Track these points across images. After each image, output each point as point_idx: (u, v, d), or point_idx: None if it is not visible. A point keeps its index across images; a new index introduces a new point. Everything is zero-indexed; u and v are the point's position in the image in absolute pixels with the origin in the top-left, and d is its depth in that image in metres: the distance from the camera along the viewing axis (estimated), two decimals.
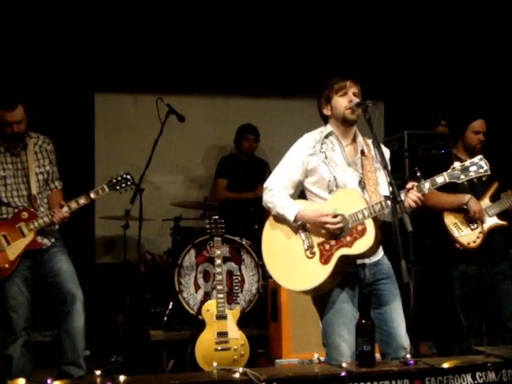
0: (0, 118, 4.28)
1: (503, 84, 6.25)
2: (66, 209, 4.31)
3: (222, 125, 6.88)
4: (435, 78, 6.75)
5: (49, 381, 2.78)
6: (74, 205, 4.32)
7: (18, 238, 4.29)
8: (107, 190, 4.32)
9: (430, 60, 6.76)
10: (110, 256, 6.72)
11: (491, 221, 4.59)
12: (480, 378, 3.02)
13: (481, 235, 4.55)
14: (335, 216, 3.39)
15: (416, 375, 2.98)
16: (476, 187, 4.55)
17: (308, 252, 3.45)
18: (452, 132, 4.91)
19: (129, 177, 4.35)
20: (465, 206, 4.53)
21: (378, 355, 3.48)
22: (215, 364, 3.06)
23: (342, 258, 3.38)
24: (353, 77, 3.59)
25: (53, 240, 4.52)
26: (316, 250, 3.43)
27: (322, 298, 3.51)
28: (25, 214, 4.32)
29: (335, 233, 3.40)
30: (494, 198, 4.64)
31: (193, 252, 5.53)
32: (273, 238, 3.56)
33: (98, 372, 2.90)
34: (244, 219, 5.80)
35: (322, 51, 6.69)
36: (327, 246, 3.42)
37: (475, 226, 4.57)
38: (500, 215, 4.61)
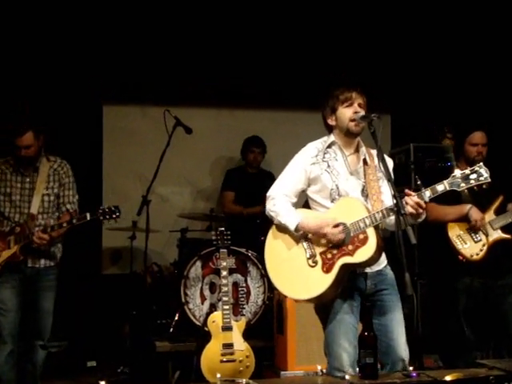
0: (13, 141, 4.48)
1: (509, 94, 6.23)
2: (49, 229, 4.41)
3: (229, 137, 6.89)
4: (442, 91, 6.75)
5: None
6: (56, 227, 4.43)
7: (5, 249, 4.48)
8: (88, 218, 4.36)
9: (437, 73, 6.76)
10: (116, 267, 6.74)
11: (495, 234, 4.58)
12: None
13: (484, 248, 4.55)
14: (336, 226, 3.39)
15: None
16: (480, 200, 4.55)
17: (310, 261, 3.46)
18: (455, 145, 4.93)
19: (117, 211, 4.37)
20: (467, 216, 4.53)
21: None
22: (219, 375, 3.05)
23: (344, 267, 3.39)
24: (359, 87, 3.61)
25: (47, 264, 4.61)
26: (318, 258, 3.44)
27: (323, 307, 3.52)
28: (17, 229, 4.50)
29: (337, 243, 3.40)
30: (499, 211, 4.63)
31: (199, 263, 5.53)
32: (275, 247, 3.58)
33: (102, 383, 2.90)
34: (250, 231, 5.79)
35: (329, 63, 6.70)
36: (329, 255, 3.43)
37: (479, 238, 4.56)
38: (504, 229, 4.59)
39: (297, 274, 3.47)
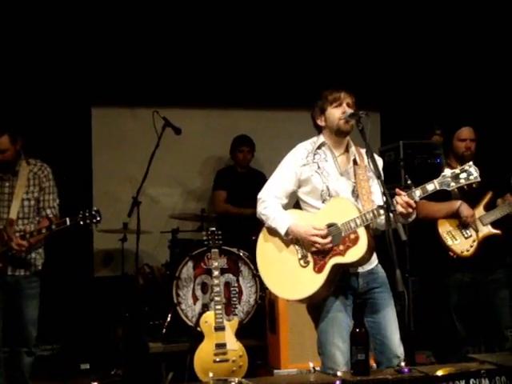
0: None
1: (498, 92, 6.26)
2: (27, 236, 4.35)
3: (219, 136, 6.86)
4: (431, 88, 6.76)
5: None
6: (35, 233, 4.37)
7: None
8: (68, 223, 4.31)
9: (426, 70, 6.78)
10: (108, 269, 6.72)
11: (485, 229, 4.60)
12: None
13: (474, 244, 4.57)
14: (325, 237, 3.40)
15: (410, 383, 2.99)
16: (469, 197, 4.53)
17: (302, 261, 3.48)
18: (444, 141, 4.96)
19: (97, 215, 4.32)
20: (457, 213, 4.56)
21: (373, 364, 3.49)
22: (211, 375, 3.06)
23: (336, 267, 3.40)
24: (347, 87, 3.62)
25: (28, 272, 4.55)
26: (310, 259, 3.46)
27: (316, 307, 3.53)
28: None
29: (321, 250, 3.42)
30: (489, 207, 4.66)
31: (190, 264, 5.53)
32: (267, 248, 3.59)
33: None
34: (241, 230, 5.79)
35: (318, 62, 6.70)
36: (321, 255, 3.44)
37: (469, 234, 4.59)
38: (494, 224, 4.62)
39: (288, 275, 3.49)
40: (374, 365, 3.50)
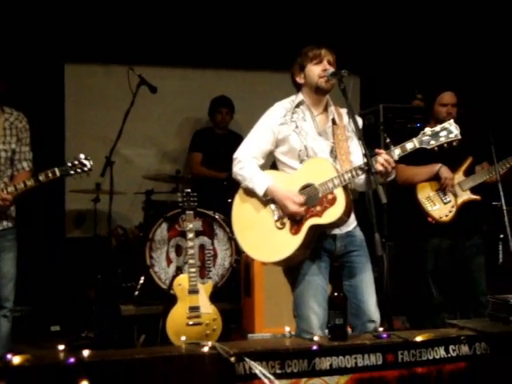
0: None
1: (481, 56, 6.18)
2: (11, 189, 4.08)
3: (197, 97, 6.71)
4: (412, 52, 6.66)
5: (8, 356, 2.65)
6: (20, 186, 4.08)
7: None
8: (58, 174, 4.07)
9: (408, 33, 6.67)
10: (80, 230, 6.59)
11: (464, 195, 4.57)
12: (453, 351, 2.97)
13: (453, 209, 4.53)
14: (302, 205, 3.33)
15: (389, 349, 2.92)
16: (449, 161, 4.51)
17: (278, 223, 3.40)
18: (424, 106, 4.88)
19: (87, 163, 4.11)
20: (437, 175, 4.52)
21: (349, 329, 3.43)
22: (183, 338, 2.97)
23: (313, 228, 3.33)
24: (328, 45, 3.52)
25: (6, 225, 4.25)
26: (286, 220, 3.38)
27: (292, 270, 3.46)
28: None
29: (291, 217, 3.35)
30: (468, 173, 4.62)
31: (164, 226, 5.43)
32: (243, 210, 3.50)
33: (61, 347, 2.79)
34: (217, 193, 5.70)
35: (298, 24, 6.57)
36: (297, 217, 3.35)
37: (448, 199, 4.55)
38: (473, 189, 4.58)
39: (264, 237, 3.41)
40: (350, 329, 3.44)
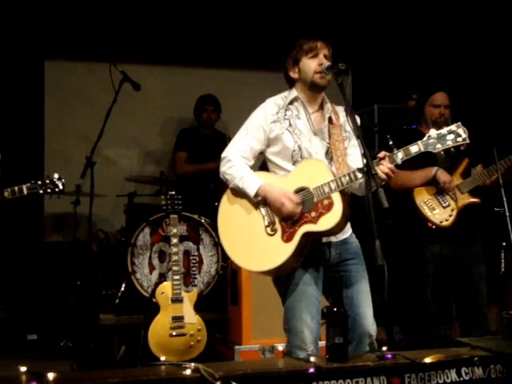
0: None
1: (476, 57, 6.02)
2: None
3: (182, 96, 6.52)
4: (408, 51, 6.49)
5: None
6: None
7: None
8: (25, 192, 3.90)
9: (404, 33, 6.50)
10: (59, 234, 6.36)
11: (464, 198, 4.38)
12: (466, 374, 2.72)
13: (454, 213, 4.33)
14: (298, 204, 3.10)
15: (394, 371, 2.66)
16: (445, 164, 4.33)
17: (269, 229, 3.15)
18: (416, 106, 4.70)
19: (59, 184, 3.97)
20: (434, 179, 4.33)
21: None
22: (163, 358, 2.72)
23: (306, 236, 3.10)
24: (324, 38, 3.30)
25: None
26: (278, 226, 3.14)
27: (283, 279, 3.23)
28: None
29: (287, 217, 3.11)
30: (465, 175, 4.44)
31: (147, 230, 5.18)
32: (230, 213, 3.26)
33: (22, 368, 2.52)
34: (203, 196, 5.49)
35: (289, 22, 6.36)
36: (290, 222, 3.12)
37: (447, 203, 4.35)
38: (472, 192, 4.39)
39: (253, 243, 3.17)
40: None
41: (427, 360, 2.68)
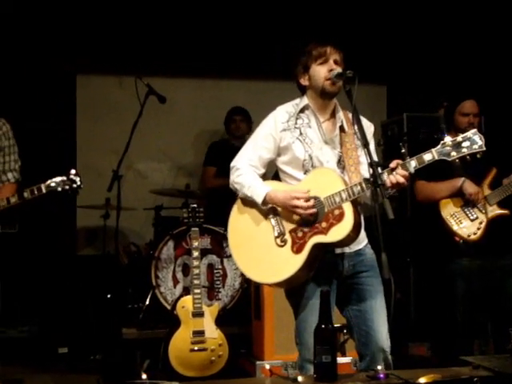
0: None
1: (509, 65, 5.84)
2: None
3: (213, 109, 6.47)
4: (441, 61, 6.38)
5: None
6: (3, 203, 3.83)
7: None
8: (44, 190, 3.79)
9: (436, 43, 6.40)
10: (91, 248, 6.38)
11: (493, 210, 4.20)
12: None
13: (482, 226, 4.16)
14: (308, 200, 2.99)
15: None
16: (472, 174, 4.17)
17: (278, 240, 3.06)
18: (445, 115, 4.54)
19: (77, 179, 3.85)
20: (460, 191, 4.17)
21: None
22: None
23: (317, 247, 2.99)
24: (334, 42, 3.22)
25: None
26: (287, 237, 3.05)
27: (295, 292, 3.14)
28: None
29: (307, 219, 3.00)
30: (494, 185, 4.25)
31: (171, 244, 5.18)
32: (240, 224, 3.20)
33: None
34: (229, 208, 5.39)
35: (318, 32, 6.28)
36: (300, 233, 3.03)
37: (474, 216, 4.18)
38: (501, 203, 4.21)
39: (263, 255, 3.08)
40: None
41: (422, 380, 2.50)
